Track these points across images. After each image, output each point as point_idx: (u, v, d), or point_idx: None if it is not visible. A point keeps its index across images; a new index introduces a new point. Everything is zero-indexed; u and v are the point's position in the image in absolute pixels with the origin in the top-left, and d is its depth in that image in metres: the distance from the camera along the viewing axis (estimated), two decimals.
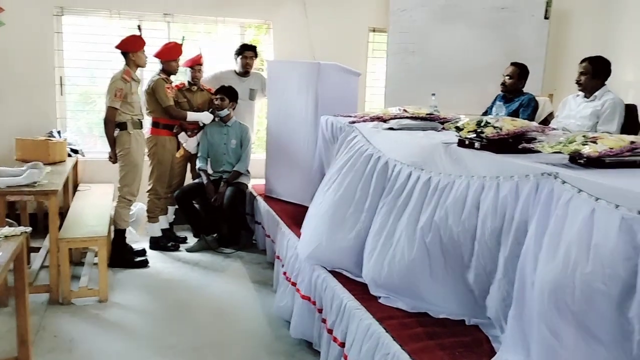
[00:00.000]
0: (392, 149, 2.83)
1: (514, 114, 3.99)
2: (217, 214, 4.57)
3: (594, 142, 1.90)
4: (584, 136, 1.97)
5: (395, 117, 3.20)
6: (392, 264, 2.45)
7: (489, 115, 3.62)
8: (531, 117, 3.96)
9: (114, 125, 4.03)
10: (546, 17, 5.47)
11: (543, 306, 1.65)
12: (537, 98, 4.27)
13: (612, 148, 1.87)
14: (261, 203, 4.48)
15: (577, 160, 1.93)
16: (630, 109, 3.62)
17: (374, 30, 5.77)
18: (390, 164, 2.77)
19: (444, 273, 2.34)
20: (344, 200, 2.90)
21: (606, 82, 3.63)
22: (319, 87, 4.05)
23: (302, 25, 5.46)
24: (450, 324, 2.29)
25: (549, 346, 1.65)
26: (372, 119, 3.30)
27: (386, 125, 3.14)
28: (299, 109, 4.21)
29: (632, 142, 1.94)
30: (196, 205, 4.73)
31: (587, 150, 1.86)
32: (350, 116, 3.58)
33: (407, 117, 3.19)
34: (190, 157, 4.83)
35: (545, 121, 4.12)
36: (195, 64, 4.66)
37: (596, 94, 3.59)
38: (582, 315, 1.54)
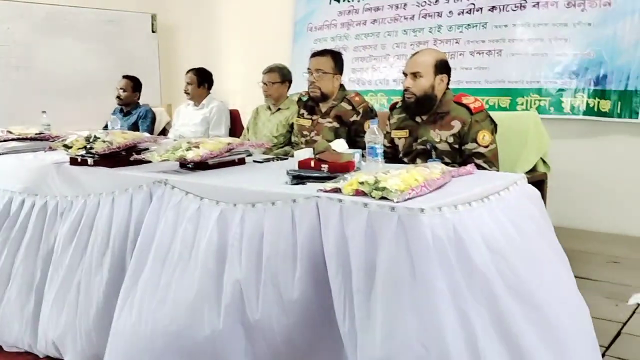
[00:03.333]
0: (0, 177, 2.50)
1: (134, 126, 4.04)
2: None
3: (197, 147, 2.06)
4: (188, 142, 2.12)
5: None
6: (7, 306, 2.17)
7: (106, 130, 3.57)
8: (151, 128, 4.09)
9: None
10: (153, 31, 5.71)
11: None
12: (155, 109, 4.41)
13: (212, 151, 2.07)
14: None
15: (186, 165, 2.08)
16: (234, 113, 4.09)
17: None
18: None
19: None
20: None
21: (211, 91, 4.01)
22: None
23: None
24: None
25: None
26: None
27: None
28: None
29: (229, 144, 2.19)
30: None
31: (191, 155, 2.01)
32: None
33: (12, 139, 2.89)
34: None
35: (165, 130, 4.31)
36: None
37: (204, 102, 3.94)
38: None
